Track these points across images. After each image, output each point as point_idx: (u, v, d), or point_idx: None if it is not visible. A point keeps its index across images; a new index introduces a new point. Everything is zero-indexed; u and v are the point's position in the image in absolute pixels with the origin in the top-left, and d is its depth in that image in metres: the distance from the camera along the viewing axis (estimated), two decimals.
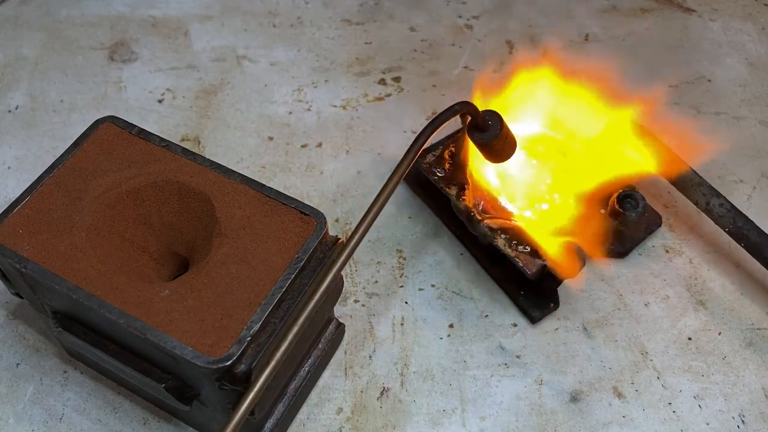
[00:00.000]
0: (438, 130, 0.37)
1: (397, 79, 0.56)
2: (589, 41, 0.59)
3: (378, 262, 0.46)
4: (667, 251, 0.47)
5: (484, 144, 0.39)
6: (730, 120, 0.54)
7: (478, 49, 0.58)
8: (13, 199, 0.36)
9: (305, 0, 0.62)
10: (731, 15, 0.62)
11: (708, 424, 0.40)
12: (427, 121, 0.38)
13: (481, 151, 0.40)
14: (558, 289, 0.44)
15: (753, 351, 0.43)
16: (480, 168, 0.44)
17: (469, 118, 0.39)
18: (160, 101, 0.55)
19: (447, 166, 0.45)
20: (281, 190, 0.37)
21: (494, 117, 0.39)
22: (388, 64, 0.57)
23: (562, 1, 0.63)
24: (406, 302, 0.45)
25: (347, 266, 0.46)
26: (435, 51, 0.58)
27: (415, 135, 0.38)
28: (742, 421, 0.40)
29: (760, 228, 0.43)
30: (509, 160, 0.42)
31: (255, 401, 0.30)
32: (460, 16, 0.61)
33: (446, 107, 0.43)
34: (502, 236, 0.42)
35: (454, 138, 0.46)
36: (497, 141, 0.39)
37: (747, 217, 0.44)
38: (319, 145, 0.52)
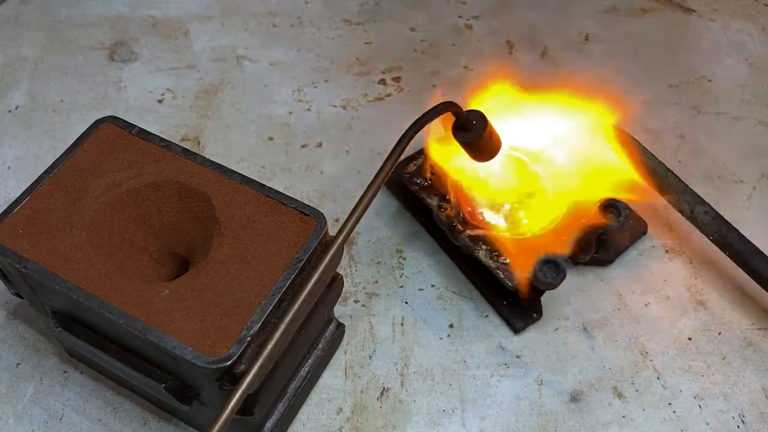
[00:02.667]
0: (423, 130, 0.36)
1: (397, 79, 0.56)
2: (589, 41, 0.59)
3: (378, 262, 0.46)
4: (667, 251, 0.47)
5: (468, 143, 0.39)
6: (730, 120, 0.54)
7: (478, 49, 0.58)
8: (13, 199, 0.36)
9: (305, 0, 0.62)
10: (731, 15, 0.62)
11: (708, 424, 0.40)
12: None
13: (466, 150, 0.40)
14: (542, 298, 0.44)
15: (753, 351, 0.43)
16: (461, 178, 0.44)
17: (454, 119, 0.39)
18: (160, 101, 0.55)
19: (428, 176, 0.45)
20: (281, 190, 0.37)
21: (478, 116, 0.39)
22: (388, 64, 0.57)
23: (562, 1, 0.63)
24: (406, 302, 0.45)
25: (347, 266, 0.46)
26: (435, 51, 0.58)
27: (415, 137, 0.38)
28: (742, 421, 0.40)
29: (744, 236, 0.44)
30: (496, 166, 0.42)
31: (244, 397, 0.29)
32: (460, 16, 0.61)
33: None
34: (484, 247, 0.42)
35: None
36: (481, 140, 0.39)
37: (731, 225, 0.44)
38: (319, 145, 0.52)
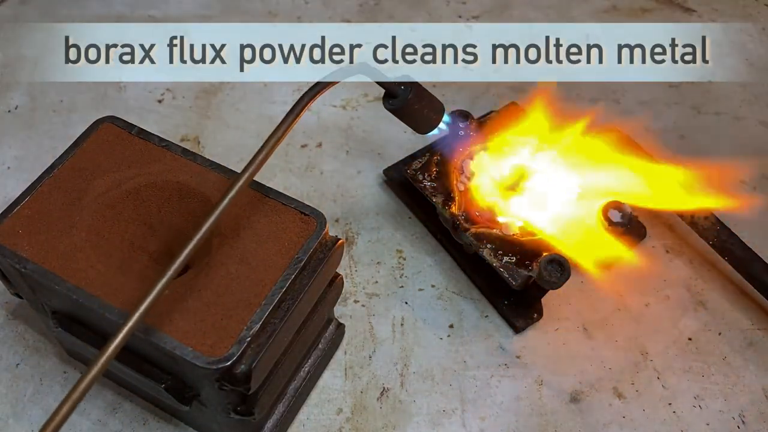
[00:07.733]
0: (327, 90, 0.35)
1: None
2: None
3: (378, 262, 0.46)
4: (667, 251, 0.47)
5: (397, 111, 0.38)
6: (730, 120, 0.54)
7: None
8: (13, 199, 0.36)
9: (305, 0, 0.62)
10: (731, 15, 0.62)
11: (708, 424, 0.40)
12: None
13: (403, 121, 0.39)
14: (542, 298, 0.44)
15: (753, 351, 0.43)
16: (472, 179, 0.44)
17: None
18: (160, 101, 0.54)
19: (433, 173, 0.45)
20: (281, 190, 0.37)
21: (407, 83, 0.37)
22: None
23: (562, 1, 0.63)
24: (406, 302, 0.45)
25: (347, 266, 0.46)
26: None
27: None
28: (742, 422, 0.40)
29: (744, 242, 0.44)
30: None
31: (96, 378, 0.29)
32: (460, 16, 0.61)
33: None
34: (488, 246, 0.42)
35: (442, 145, 0.46)
36: (409, 107, 0.38)
37: (731, 231, 0.44)
38: (319, 145, 0.52)
